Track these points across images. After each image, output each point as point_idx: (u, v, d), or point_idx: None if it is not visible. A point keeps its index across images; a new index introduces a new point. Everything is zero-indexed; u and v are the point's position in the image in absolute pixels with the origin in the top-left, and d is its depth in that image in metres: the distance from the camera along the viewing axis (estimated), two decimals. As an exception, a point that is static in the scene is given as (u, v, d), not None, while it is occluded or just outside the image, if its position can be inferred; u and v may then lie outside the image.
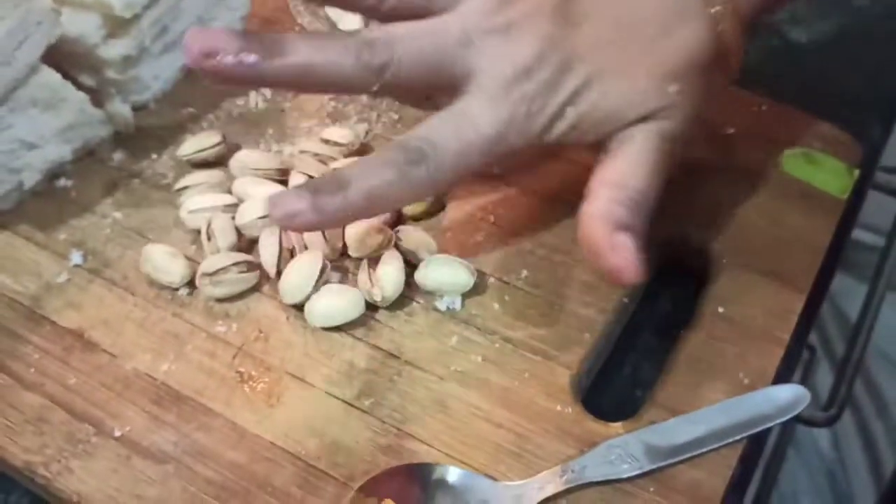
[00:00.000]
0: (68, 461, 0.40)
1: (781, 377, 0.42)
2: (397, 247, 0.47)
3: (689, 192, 0.50)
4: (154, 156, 0.55)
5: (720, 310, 0.44)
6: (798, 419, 0.43)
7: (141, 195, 0.52)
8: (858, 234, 0.79)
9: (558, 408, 0.41)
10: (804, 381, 0.63)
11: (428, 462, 0.38)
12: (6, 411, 0.42)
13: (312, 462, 0.39)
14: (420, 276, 0.45)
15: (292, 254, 0.46)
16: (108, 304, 0.47)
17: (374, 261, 0.46)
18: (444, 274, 0.45)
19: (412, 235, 0.47)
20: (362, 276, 0.45)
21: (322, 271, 0.44)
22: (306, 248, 0.47)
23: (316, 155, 0.51)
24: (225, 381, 0.43)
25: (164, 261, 0.47)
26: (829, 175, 0.50)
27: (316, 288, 0.44)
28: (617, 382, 0.45)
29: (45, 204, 0.52)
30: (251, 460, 0.40)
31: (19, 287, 0.48)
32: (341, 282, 0.46)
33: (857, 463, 0.96)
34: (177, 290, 0.47)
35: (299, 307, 0.45)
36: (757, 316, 0.44)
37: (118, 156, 0.55)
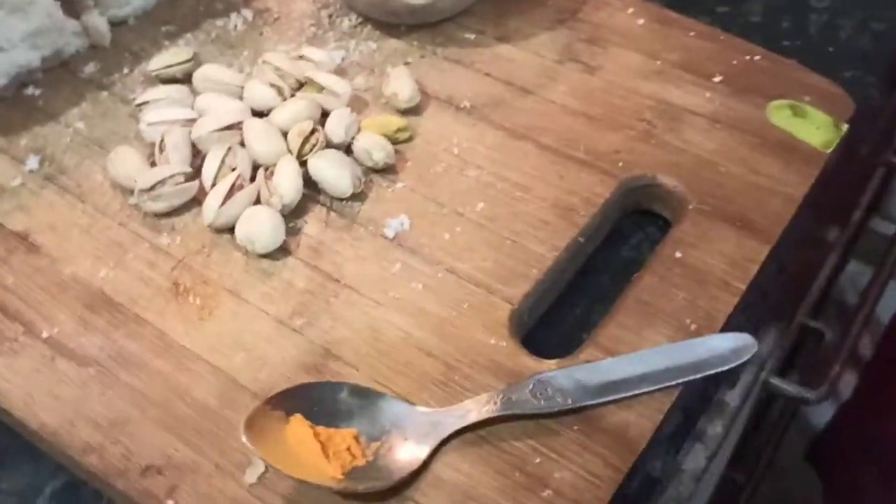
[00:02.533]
0: (-7, 358, 0.40)
1: (733, 327, 0.39)
2: (352, 150, 0.47)
3: (665, 136, 0.48)
4: (126, 70, 0.54)
5: (677, 254, 0.42)
6: (791, 397, 0.41)
7: (107, 108, 0.51)
8: (877, 224, 0.76)
9: (493, 341, 0.39)
10: (811, 366, 0.61)
11: (342, 381, 0.37)
12: (-60, 306, 0.42)
13: (234, 375, 0.39)
14: (311, 163, 0.45)
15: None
16: (57, 209, 0.46)
17: (272, 173, 0.45)
18: (329, 173, 0.45)
19: (370, 137, 0.46)
20: (262, 188, 0.44)
21: (231, 190, 0.43)
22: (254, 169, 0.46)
23: (277, 69, 0.50)
24: (160, 292, 0.42)
25: (134, 162, 0.46)
26: (815, 128, 0.48)
27: (226, 208, 0.43)
28: (566, 324, 0.43)
29: (10, 110, 0.51)
30: (175, 369, 0.39)
31: (-27, 189, 0.47)
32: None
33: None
34: (130, 197, 0.46)
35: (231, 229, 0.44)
36: (715, 263, 0.42)
37: (90, 68, 0.54)
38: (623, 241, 0.46)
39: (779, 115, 0.49)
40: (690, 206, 0.44)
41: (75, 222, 0.45)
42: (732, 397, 0.41)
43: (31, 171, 0.48)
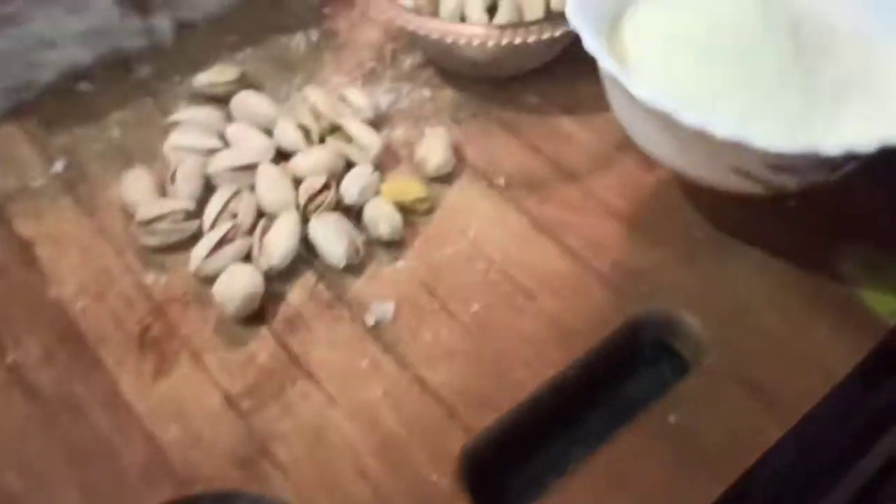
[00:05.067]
0: (-44, 373, 0.40)
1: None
2: (360, 214, 0.44)
3: (707, 263, 0.42)
4: (178, 78, 0.53)
5: (671, 418, 0.37)
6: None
7: (146, 117, 0.51)
8: None
9: (434, 478, 0.36)
10: None
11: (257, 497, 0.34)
12: (-73, 304, 0.43)
13: (165, 449, 0.37)
14: (311, 224, 0.42)
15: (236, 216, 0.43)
16: (64, 221, 0.46)
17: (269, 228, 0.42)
18: (324, 239, 0.42)
19: (381, 206, 0.43)
20: (255, 244, 0.41)
21: (222, 240, 0.41)
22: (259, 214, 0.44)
23: (313, 107, 0.47)
24: (128, 338, 0.41)
25: (144, 188, 0.45)
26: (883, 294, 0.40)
27: (211, 260, 0.41)
28: (535, 466, 0.38)
29: (58, 105, 0.51)
30: (111, 427, 0.38)
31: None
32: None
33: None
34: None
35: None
36: (716, 438, 0.36)
37: (145, 70, 0.53)
38: (631, 378, 0.41)
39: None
40: (708, 361, 0.39)
41: (76, 239, 0.45)
42: None
43: (55, 174, 0.48)
